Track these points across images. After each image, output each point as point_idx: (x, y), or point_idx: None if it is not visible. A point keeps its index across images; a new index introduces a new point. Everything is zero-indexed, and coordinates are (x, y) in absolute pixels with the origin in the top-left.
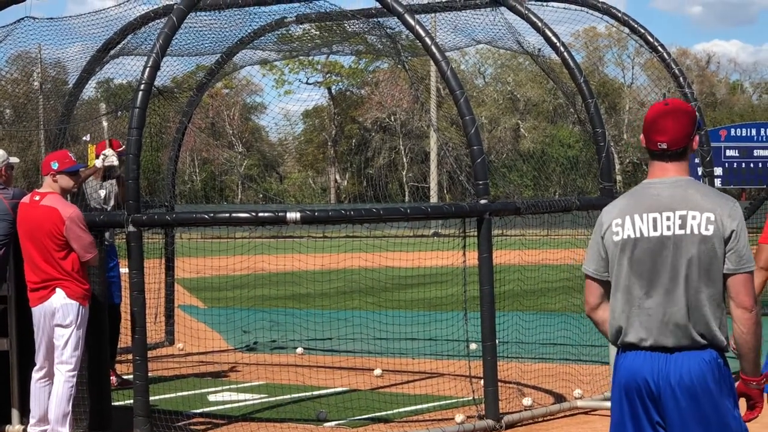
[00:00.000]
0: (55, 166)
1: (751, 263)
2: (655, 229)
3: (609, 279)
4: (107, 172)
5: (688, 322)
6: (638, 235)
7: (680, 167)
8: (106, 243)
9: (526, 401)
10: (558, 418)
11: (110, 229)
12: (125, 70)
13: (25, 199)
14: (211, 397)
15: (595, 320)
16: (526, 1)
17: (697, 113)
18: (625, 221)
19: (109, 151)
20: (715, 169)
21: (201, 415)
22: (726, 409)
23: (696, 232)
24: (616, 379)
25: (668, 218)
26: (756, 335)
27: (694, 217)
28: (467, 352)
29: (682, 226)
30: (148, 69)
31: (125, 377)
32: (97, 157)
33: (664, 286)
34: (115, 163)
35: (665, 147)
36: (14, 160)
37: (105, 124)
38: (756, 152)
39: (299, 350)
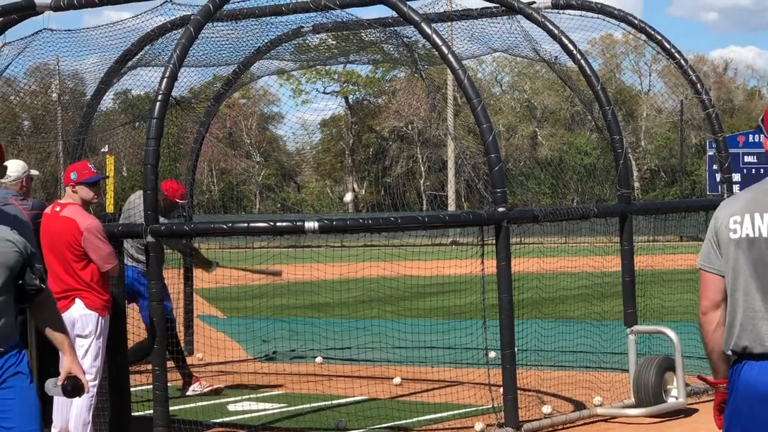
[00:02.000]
0: (74, 176)
1: None
2: None
3: (724, 274)
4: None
5: None
6: (757, 234)
7: None
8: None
9: (546, 409)
10: (578, 425)
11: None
12: (143, 81)
13: (48, 209)
14: (231, 407)
15: (707, 320)
16: (542, 9)
17: None
18: (744, 219)
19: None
20: (733, 175)
21: (221, 425)
22: None
23: None
24: (734, 391)
25: None
26: None
27: None
28: (486, 360)
29: None
30: (165, 79)
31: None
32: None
33: None
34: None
35: None
36: (34, 173)
37: None
38: None
39: (318, 359)
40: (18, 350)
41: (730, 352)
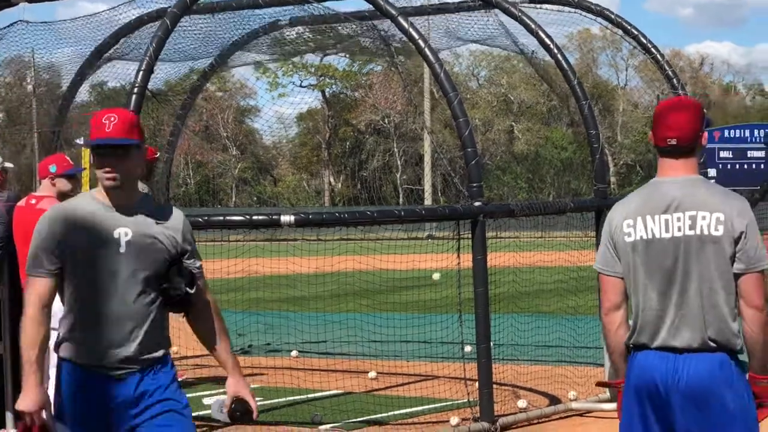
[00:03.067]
0: (53, 169)
1: (761, 262)
2: (667, 231)
3: (622, 276)
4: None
5: (701, 324)
6: (650, 236)
7: (690, 165)
8: None
9: (521, 403)
10: (553, 420)
11: None
12: (119, 73)
13: (21, 202)
14: (207, 401)
15: (609, 321)
16: (519, 3)
17: (704, 109)
18: (636, 222)
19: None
20: (709, 170)
21: (196, 418)
22: (737, 411)
23: (706, 232)
24: (628, 379)
25: (679, 219)
26: (766, 334)
27: (704, 218)
28: (462, 354)
29: (692, 227)
30: (141, 72)
31: None
32: None
33: (677, 287)
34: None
35: (675, 143)
36: (9, 165)
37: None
38: (750, 153)
39: (294, 353)
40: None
41: (631, 345)
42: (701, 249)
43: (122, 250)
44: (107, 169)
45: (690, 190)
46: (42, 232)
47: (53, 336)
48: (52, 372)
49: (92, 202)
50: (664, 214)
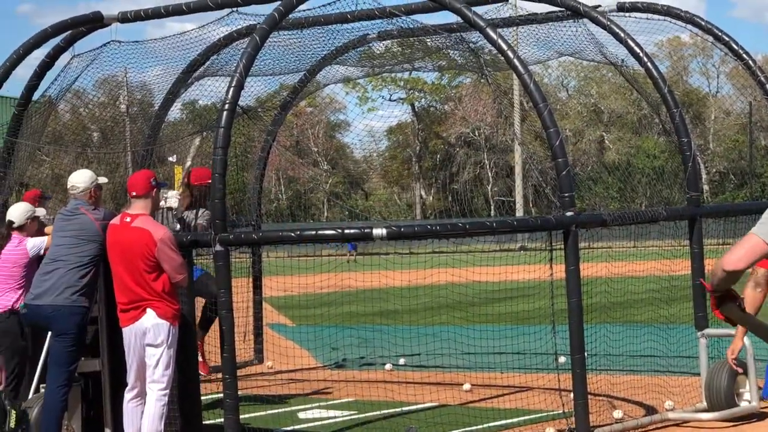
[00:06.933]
0: (154, 182)
1: None
2: None
3: None
4: (195, 202)
5: None
6: None
7: None
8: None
9: (617, 414)
10: (650, 430)
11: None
12: (210, 90)
13: (115, 220)
14: (301, 415)
15: (730, 277)
16: (608, 12)
17: None
18: None
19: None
20: None
21: None
22: None
23: None
24: None
25: None
26: None
27: None
28: (556, 365)
29: None
30: (232, 89)
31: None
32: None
33: None
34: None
35: None
36: (102, 180)
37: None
38: None
39: (388, 366)
40: None
41: None
42: None
43: None
44: None
45: None
46: None
47: (152, 353)
48: (152, 391)
49: None
50: None
